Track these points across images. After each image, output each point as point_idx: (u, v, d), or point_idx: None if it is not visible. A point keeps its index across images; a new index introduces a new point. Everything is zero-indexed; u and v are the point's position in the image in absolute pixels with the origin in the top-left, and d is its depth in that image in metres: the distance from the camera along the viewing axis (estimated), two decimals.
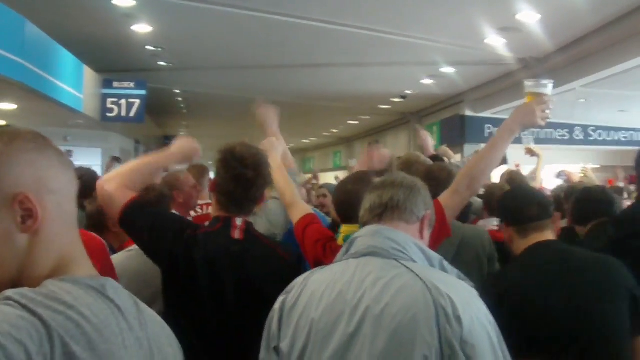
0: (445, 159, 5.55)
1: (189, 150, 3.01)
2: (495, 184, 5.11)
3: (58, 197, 1.25)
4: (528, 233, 2.73)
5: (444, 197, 2.81)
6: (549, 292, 2.53)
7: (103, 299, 1.18)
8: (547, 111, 2.75)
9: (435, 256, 1.99)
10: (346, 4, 8.24)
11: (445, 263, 2.00)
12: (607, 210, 3.83)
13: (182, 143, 3.04)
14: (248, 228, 2.69)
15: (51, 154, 1.26)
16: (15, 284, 1.17)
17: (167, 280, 2.65)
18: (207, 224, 2.76)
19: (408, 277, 1.81)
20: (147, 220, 2.61)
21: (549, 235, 2.74)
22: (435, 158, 5.22)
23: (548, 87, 2.81)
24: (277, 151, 3.54)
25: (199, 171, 5.26)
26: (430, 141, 5.66)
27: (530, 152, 6.72)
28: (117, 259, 3.19)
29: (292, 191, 3.30)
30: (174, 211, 3.91)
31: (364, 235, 2.02)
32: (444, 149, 6.85)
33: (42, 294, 1.09)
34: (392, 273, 1.84)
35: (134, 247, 3.00)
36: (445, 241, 2.83)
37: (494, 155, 2.79)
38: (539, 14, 8.15)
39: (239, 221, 2.67)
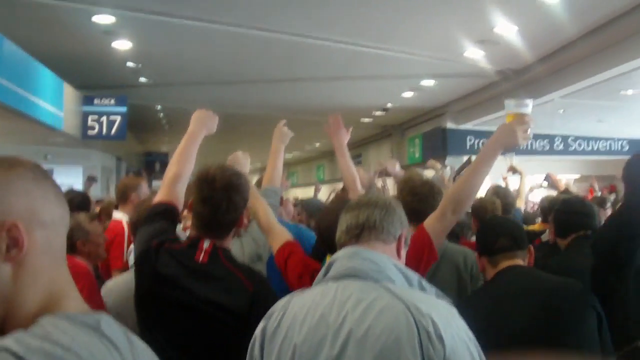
0: (427, 172, 5.57)
1: (209, 120, 3.34)
2: (485, 198, 5.05)
3: (48, 231, 1.23)
4: (498, 261, 2.76)
5: (429, 223, 2.80)
6: (514, 318, 2.55)
7: (99, 337, 1.16)
8: (529, 130, 2.74)
9: (413, 276, 1.98)
10: (326, 19, 8.28)
11: (424, 281, 2.00)
12: (587, 222, 3.82)
13: (199, 117, 3.32)
14: (215, 251, 2.63)
15: (48, 187, 1.26)
16: (3, 319, 1.16)
17: (135, 288, 2.66)
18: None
19: (388, 299, 1.81)
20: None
21: (519, 262, 2.77)
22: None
23: (529, 107, 2.82)
24: (244, 168, 3.57)
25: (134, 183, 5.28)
26: (395, 167, 5.63)
27: (513, 170, 6.77)
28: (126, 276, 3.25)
29: (265, 212, 3.24)
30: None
31: (342, 257, 2.01)
32: (432, 162, 6.87)
33: (39, 336, 1.07)
34: (373, 295, 1.84)
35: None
36: None
37: (478, 178, 2.75)
38: (516, 26, 8.23)
39: (206, 243, 2.62)
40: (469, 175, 2.77)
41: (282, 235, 3.11)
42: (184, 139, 3.17)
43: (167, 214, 2.83)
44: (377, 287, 1.86)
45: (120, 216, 4.96)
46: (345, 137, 4.16)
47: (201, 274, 2.57)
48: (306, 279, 2.82)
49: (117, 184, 5.48)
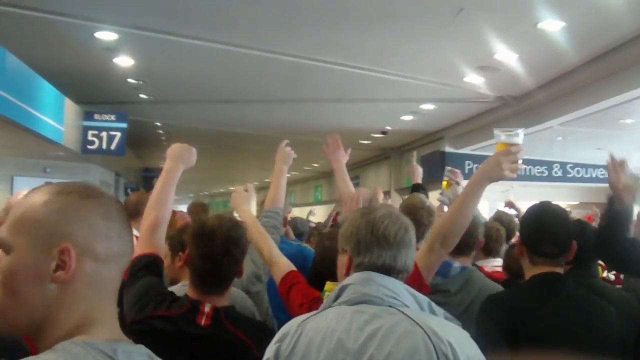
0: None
1: (186, 154, 3.14)
2: (489, 225, 4.97)
3: (100, 264, 1.29)
4: (537, 262, 2.75)
5: (419, 257, 2.68)
6: (547, 324, 2.55)
7: None
8: (520, 161, 2.60)
9: (423, 299, 2.01)
10: (327, 41, 8.32)
11: (433, 305, 2.02)
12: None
13: (175, 151, 3.13)
14: (217, 314, 2.54)
15: (114, 225, 1.32)
16: (34, 332, 1.24)
17: None
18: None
19: (407, 324, 1.84)
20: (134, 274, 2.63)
21: (558, 269, 2.74)
22: (418, 187, 5.21)
23: (519, 136, 2.68)
24: (248, 204, 3.54)
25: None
26: (419, 171, 5.58)
27: (510, 205, 6.72)
28: None
29: (269, 248, 3.18)
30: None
31: (356, 283, 2.00)
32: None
33: None
34: (391, 320, 1.86)
35: None
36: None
37: (466, 211, 2.64)
38: (517, 53, 8.28)
39: (207, 307, 2.53)
40: (456, 208, 2.69)
41: (284, 267, 3.06)
42: (160, 178, 3.05)
43: (151, 267, 2.73)
44: (394, 312, 1.89)
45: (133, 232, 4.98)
46: (344, 157, 4.14)
47: (203, 338, 2.49)
48: (305, 308, 2.76)
49: (125, 199, 5.52)
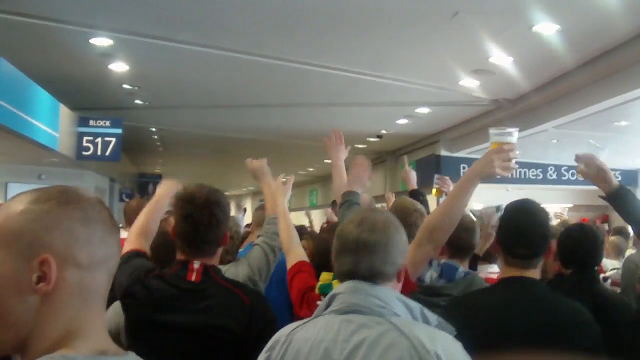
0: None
1: (174, 189, 3.23)
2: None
3: (83, 272, 1.25)
4: (511, 264, 2.70)
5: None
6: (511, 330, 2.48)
7: None
8: (514, 160, 2.60)
9: (416, 306, 1.99)
10: (323, 46, 8.33)
11: (426, 311, 2.00)
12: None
13: (165, 185, 3.36)
14: (206, 271, 2.64)
15: (95, 230, 1.28)
16: (20, 348, 1.21)
17: (125, 320, 2.67)
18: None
19: (394, 335, 1.82)
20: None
21: (530, 273, 2.67)
22: (415, 192, 5.20)
23: (513, 136, 2.67)
24: (285, 197, 3.72)
25: None
26: (413, 175, 5.58)
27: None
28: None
29: (289, 238, 3.35)
30: None
31: (345, 292, 1.99)
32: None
33: None
34: (377, 330, 1.84)
35: None
36: None
37: (455, 207, 2.64)
38: (512, 56, 8.29)
39: (196, 264, 2.63)
40: (446, 204, 2.70)
41: (298, 255, 3.24)
42: (151, 201, 3.32)
43: (141, 256, 2.89)
44: (382, 321, 1.87)
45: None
46: (344, 153, 4.15)
47: (196, 293, 2.58)
48: (300, 294, 2.95)
49: (125, 205, 5.60)
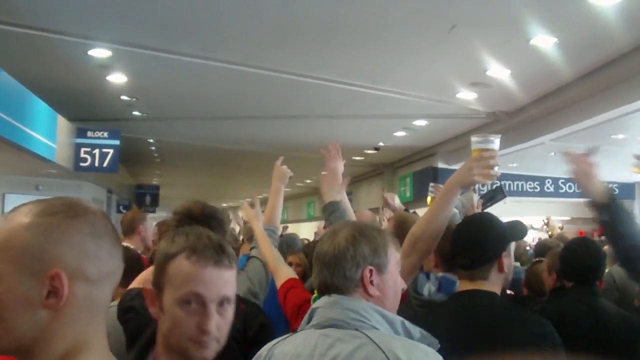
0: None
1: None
2: None
3: (92, 286, 1.24)
4: (460, 277, 2.70)
5: None
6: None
7: None
8: (495, 167, 2.59)
9: (396, 319, 1.95)
10: (321, 58, 8.35)
11: (407, 323, 1.96)
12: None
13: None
14: None
15: (104, 244, 1.27)
16: (22, 355, 1.20)
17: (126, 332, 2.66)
18: None
19: (369, 349, 1.78)
20: None
21: (478, 284, 2.60)
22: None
23: (494, 143, 2.66)
24: (259, 220, 3.73)
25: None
26: (395, 201, 5.60)
27: None
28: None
29: (273, 258, 3.38)
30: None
31: (323, 307, 1.98)
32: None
33: None
34: (353, 344, 1.81)
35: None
36: None
37: (438, 216, 2.63)
38: (509, 69, 8.32)
39: None
40: (429, 214, 2.68)
41: (287, 273, 3.25)
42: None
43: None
44: (360, 335, 1.84)
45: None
46: (342, 166, 4.14)
47: None
48: (296, 308, 2.95)
49: (122, 217, 5.65)
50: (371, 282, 1.99)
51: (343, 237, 2.02)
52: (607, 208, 2.91)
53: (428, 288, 3.39)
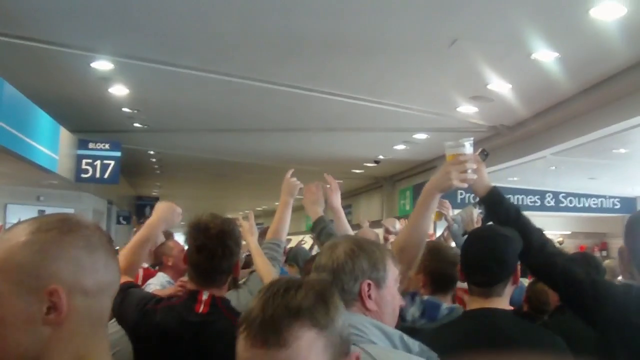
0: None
1: (170, 215, 3.16)
2: None
3: (90, 299, 1.26)
4: (472, 293, 2.63)
5: None
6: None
7: None
8: (469, 171, 2.59)
9: (394, 333, 1.95)
10: (322, 71, 8.36)
11: (406, 337, 1.95)
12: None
13: (161, 209, 3.17)
14: (214, 302, 2.65)
15: (99, 257, 1.29)
16: None
17: (134, 350, 2.66)
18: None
19: None
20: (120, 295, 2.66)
21: (493, 301, 2.56)
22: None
23: (466, 147, 2.65)
24: (254, 235, 3.71)
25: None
26: (396, 227, 5.59)
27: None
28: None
29: (268, 275, 3.37)
30: (164, 274, 4.67)
31: None
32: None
33: None
34: None
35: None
36: None
37: (419, 223, 2.63)
38: (510, 83, 8.33)
39: (205, 295, 2.64)
40: (410, 223, 2.68)
41: None
42: (143, 229, 3.12)
43: (135, 286, 2.89)
44: (355, 349, 1.76)
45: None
46: (339, 198, 4.07)
47: (202, 326, 2.58)
48: None
49: (107, 227, 5.65)
50: (369, 295, 1.99)
51: (342, 251, 2.02)
52: (484, 201, 2.84)
53: (412, 313, 3.34)
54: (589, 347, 3.00)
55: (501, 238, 2.63)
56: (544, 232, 2.81)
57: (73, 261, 1.24)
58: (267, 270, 3.42)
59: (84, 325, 1.24)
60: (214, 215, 2.77)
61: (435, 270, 2.74)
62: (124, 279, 2.83)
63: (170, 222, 3.17)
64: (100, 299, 1.28)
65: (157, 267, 5.19)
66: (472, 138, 2.68)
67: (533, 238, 2.72)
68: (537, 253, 2.70)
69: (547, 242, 2.77)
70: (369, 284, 1.99)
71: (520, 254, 2.67)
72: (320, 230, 3.70)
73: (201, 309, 2.62)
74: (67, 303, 1.21)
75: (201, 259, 2.66)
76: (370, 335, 1.88)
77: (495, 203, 2.81)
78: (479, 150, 3.01)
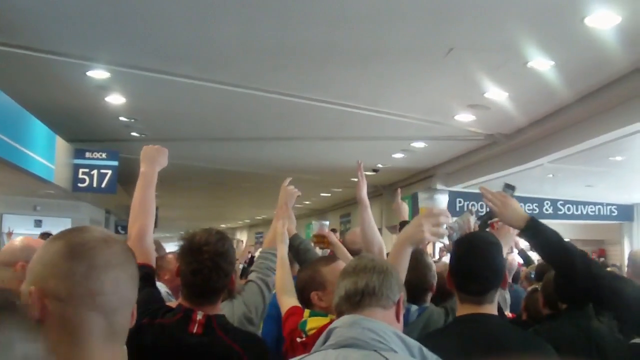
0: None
1: (158, 156, 3.39)
2: None
3: (65, 305, 1.26)
4: (464, 301, 2.64)
5: None
6: None
7: None
8: (444, 225, 2.60)
9: (414, 344, 1.96)
10: (320, 80, 8.36)
11: (425, 350, 1.97)
12: None
13: (148, 154, 3.36)
14: (209, 322, 2.62)
15: (75, 265, 1.30)
16: None
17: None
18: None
19: None
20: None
21: (486, 308, 2.59)
22: (406, 224, 5.18)
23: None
24: (284, 244, 3.67)
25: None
26: (405, 208, 5.60)
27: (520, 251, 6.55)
28: None
29: (283, 283, 3.37)
30: (162, 284, 4.50)
31: (342, 326, 1.97)
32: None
33: None
34: None
35: None
36: None
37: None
38: (507, 92, 8.33)
39: (199, 315, 2.61)
40: None
41: (290, 301, 3.22)
42: (138, 184, 3.18)
43: (146, 278, 2.76)
44: (378, 357, 1.84)
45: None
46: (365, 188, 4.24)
47: (196, 348, 2.55)
48: (289, 336, 2.95)
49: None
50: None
51: (383, 262, 2.16)
52: (524, 234, 2.98)
53: None
54: (578, 353, 3.00)
55: (493, 247, 2.67)
56: (587, 254, 2.89)
57: (50, 266, 1.29)
58: (283, 282, 3.41)
59: (63, 334, 1.24)
60: (208, 232, 2.73)
61: (411, 281, 2.75)
62: (140, 258, 2.70)
63: (162, 161, 3.40)
64: (78, 309, 1.27)
65: None
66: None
67: (577, 261, 2.81)
68: (584, 277, 2.78)
69: (591, 264, 2.83)
70: (401, 297, 2.11)
71: (565, 278, 2.72)
72: (297, 246, 3.73)
73: (195, 329, 2.58)
74: (39, 303, 1.24)
75: (196, 281, 2.64)
76: (391, 344, 1.90)
77: (535, 234, 2.94)
78: (503, 185, 3.13)
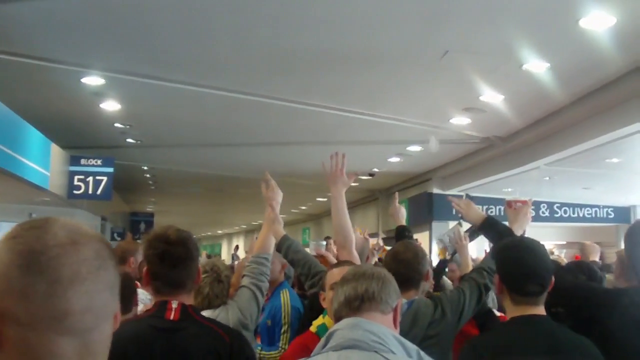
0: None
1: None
2: None
3: (27, 331, 1.00)
4: (520, 303, 2.70)
5: None
6: None
7: None
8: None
9: (412, 348, 2.01)
10: (315, 85, 8.36)
11: (422, 353, 2.02)
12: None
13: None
14: (185, 309, 2.63)
15: (38, 280, 1.02)
16: None
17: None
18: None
19: None
20: None
21: (540, 309, 2.69)
22: (403, 229, 5.16)
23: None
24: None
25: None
26: (402, 212, 5.56)
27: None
28: None
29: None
30: (144, 291, 4.38)
31: (343, 328, 2.01)
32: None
33: None
34: None
35: None
36: None
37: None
38: (502, 94, 8.33)
39: (174, 304, 2.62)
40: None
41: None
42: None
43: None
44: (379, 358, 1.88)
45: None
46: (346, 184, 4.19)
47: (176, 332, 2.57)
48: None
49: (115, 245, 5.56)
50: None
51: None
52: (482, 229, 3.74)
53: None
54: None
55: (544, 248, 2.85)
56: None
57: (1, 278, 1.02)
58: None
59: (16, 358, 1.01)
60: (169, 226, 2.79)
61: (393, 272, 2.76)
62: None
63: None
64: (41, 334, 1.02)
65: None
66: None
67: None
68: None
69: None
70: (399, 302, 2.19)
71: None
72: (287, 248, 3.74)
73: (172, 316, 2.59)
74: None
75: (165, 268, 2.65)
76: (390, 346, 1.95)
77: (490, 227, 3.65)
78: (465, 195, 4.14)
